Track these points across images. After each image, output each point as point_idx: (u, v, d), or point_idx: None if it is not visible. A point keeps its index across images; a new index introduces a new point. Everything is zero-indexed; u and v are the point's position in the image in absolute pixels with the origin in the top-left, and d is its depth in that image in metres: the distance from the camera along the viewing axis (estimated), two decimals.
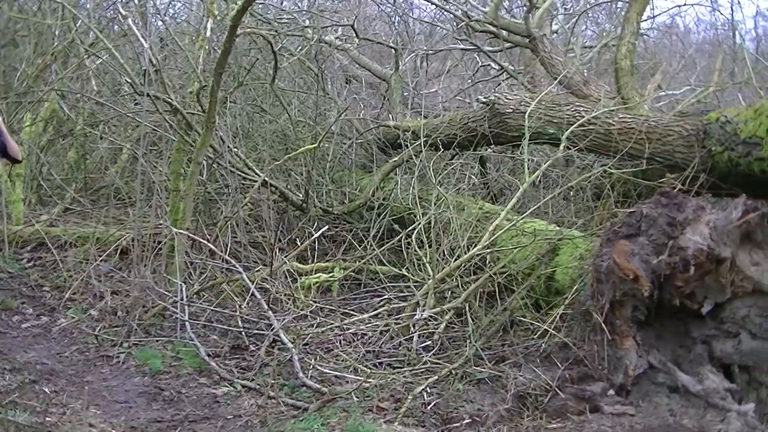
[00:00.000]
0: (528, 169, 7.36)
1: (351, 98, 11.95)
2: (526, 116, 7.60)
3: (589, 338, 5.57)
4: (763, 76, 11.14)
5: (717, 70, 10.93)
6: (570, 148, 7.28)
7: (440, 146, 8.87)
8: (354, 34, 12.11)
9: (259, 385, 5.82)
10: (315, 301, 7.23)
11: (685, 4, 13.13)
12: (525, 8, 10.05)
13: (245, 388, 5.82)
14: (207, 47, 8.55)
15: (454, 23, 12.42)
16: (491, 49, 11.72)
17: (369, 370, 5.92)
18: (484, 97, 8.57)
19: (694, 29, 16.68)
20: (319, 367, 5.97)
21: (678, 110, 8.05)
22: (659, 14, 14.70)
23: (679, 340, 5.73)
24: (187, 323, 6.60)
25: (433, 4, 12.32)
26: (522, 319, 6.38)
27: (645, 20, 11.47)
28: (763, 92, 8.44)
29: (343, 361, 6.13)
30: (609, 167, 6.84)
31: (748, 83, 9.55)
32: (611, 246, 5.53)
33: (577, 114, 7.42)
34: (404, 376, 5.81)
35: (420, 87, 12.95)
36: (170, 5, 13.84)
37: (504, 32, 10.21)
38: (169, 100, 8.09)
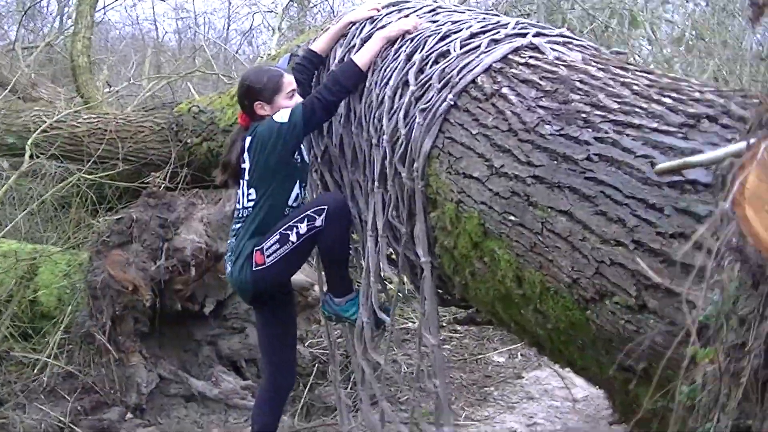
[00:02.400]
0: None
1: None
2: None
3: (95, 362, 5.06)
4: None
5: (147, 64, 10.93)
6: (39, 158, 6.50)
7: None
8: None
9: None
10: None
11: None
12: None
13: None
14: None
15: None
16: None
17: None
18: None
19: (117, 25, 16.48)
20: None
21: (135, 104, 7.77)
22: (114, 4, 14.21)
23: (183, 344, 5.58)
24: None
25: None
26: (11, 352, 5.56)
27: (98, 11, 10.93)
28: (226, 79, 8.47)
29: None
30: (83, 173, 6.26)
31: (203, 72, 9.51)
32: (103, 258, 5.09)
33: (38, 119, 6.65)
34: None
35: None
36: None
37: None
38: None
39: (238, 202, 3.85)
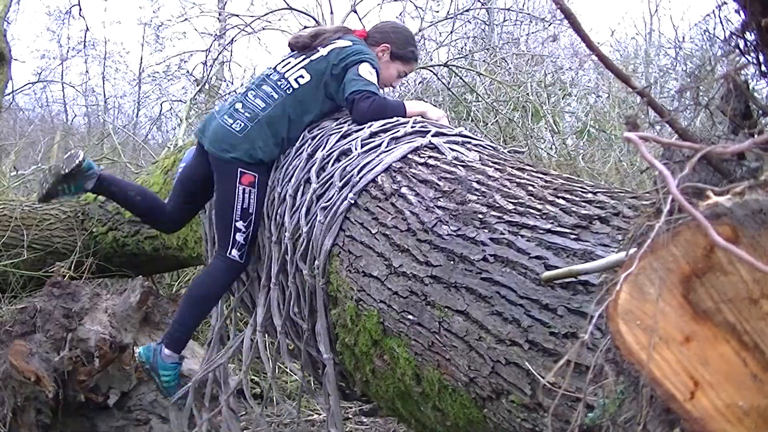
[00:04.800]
0: None
1: None
2: None
3: None
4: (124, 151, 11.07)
5: (56, 149, 10.76)
6: None
7: None
8: None
9: None
10: None
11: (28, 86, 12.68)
12: None
13: None
14: None
15: None
16: None
17: None
18: None
19: (27, 106, 16.21)
20: None
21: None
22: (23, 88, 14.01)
23: None
24: None
25: None
26: None
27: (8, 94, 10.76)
28: (134, 167, 8.34)
29: None
30: None
31: (111, 159, 9.34)
32: (6, 348, 4.98)
33: None
34: None
35: None
36: None
37: None
38: None
39: (283, 67, 3.77)
